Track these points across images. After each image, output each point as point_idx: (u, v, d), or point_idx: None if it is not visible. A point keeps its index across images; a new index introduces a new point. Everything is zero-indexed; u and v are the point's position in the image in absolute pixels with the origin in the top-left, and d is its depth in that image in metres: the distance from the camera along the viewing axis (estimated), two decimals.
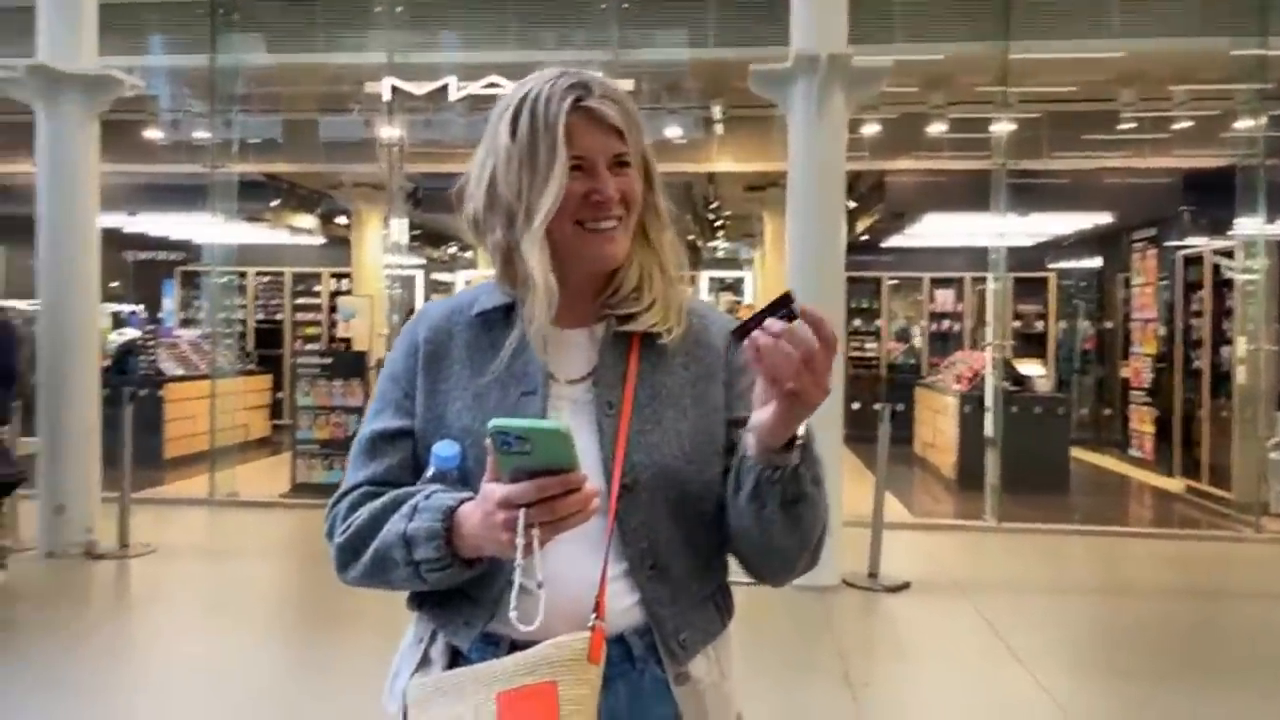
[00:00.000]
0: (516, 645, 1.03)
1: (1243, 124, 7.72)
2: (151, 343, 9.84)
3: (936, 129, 8.70)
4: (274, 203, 11.08)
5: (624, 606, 1.08)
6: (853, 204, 11.04)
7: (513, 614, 0.95)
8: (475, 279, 13.92)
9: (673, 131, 8.50)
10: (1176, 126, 8.83)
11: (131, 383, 8.41)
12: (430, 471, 1.09)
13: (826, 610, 4.81)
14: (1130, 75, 8.22)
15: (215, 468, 7.71)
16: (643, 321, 1.13)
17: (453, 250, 16.44)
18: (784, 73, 5.27)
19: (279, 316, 13.68)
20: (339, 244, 13.41)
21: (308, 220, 12.62)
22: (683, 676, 1.09)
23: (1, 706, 3.48)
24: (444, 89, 6.95)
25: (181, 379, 9.64)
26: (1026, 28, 7.25)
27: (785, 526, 1.07)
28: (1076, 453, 9.67)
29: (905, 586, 5.23)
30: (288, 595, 5.41)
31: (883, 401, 9.26)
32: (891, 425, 5.66)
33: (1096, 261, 13.10)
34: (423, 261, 15.23)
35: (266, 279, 13.82)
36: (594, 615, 1.02)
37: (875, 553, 5.32)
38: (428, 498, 1.06)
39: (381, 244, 11.13)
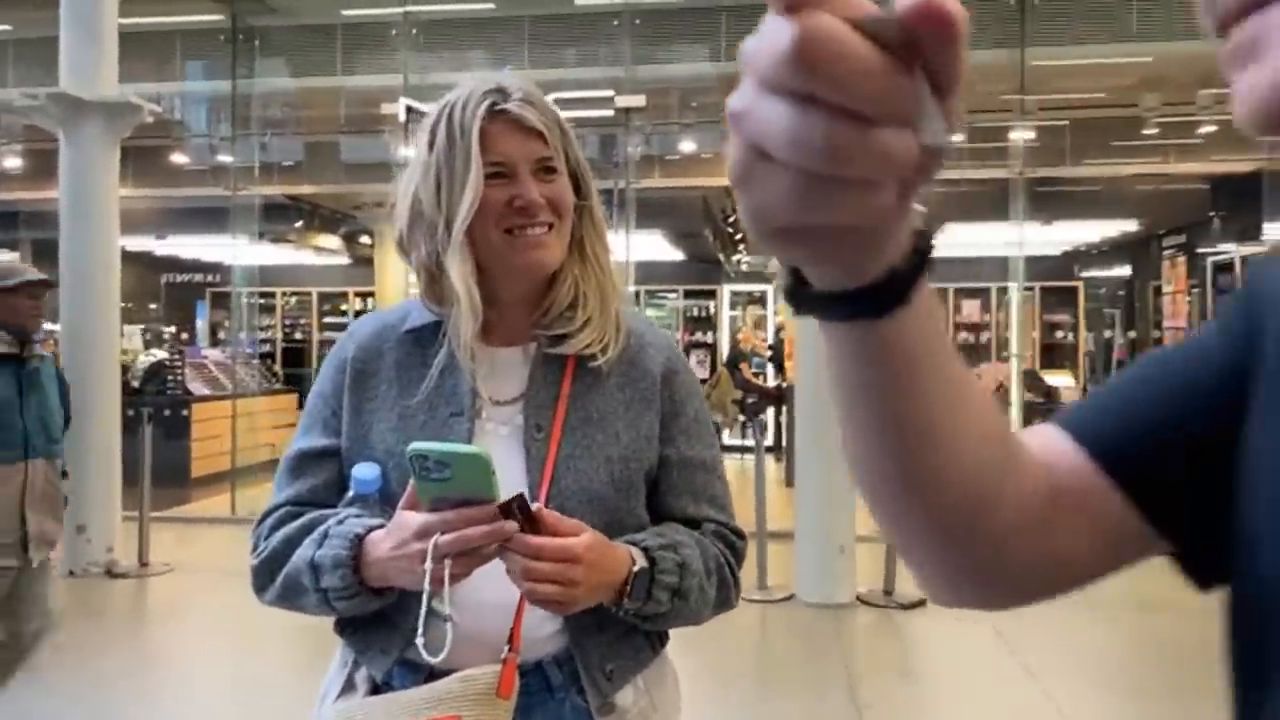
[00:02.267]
0: (435, 674, 1.01)
1: None
2: (179, 363, 9.99)
3: (955, 138, 8.63)
4: (298, 224, 11.23)
5: (544, 635, 1.05)
6: None
7: (419, 641, 0.93)
8: None
9: (688, 146, 8.50)
10: (1203, 131, 8.67)
11: (158, 403, 8.54)
12: (350, 494, 1.07)
13: (838, 628, 4.72)
14: (1154, 80, 8.09)
15: (238, 486, 7.80)
16: (576, 343, 1.10)
17: None
18: None
19: (298, 335, 13.87)
20: (363, 264, 13.57)
21: (332, 241, 12.79)
22: (608, 707, 1.07)
23: None
24: None
25: (208, 399, 9.76)
26: (1044, 34, 7.16)
27: (660, 625, 1.09)
28: None
29: (921, 604, 5.12)
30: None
31: None
32: None
33: (1126, 270, 12.87)
34: None
35: (295, 299, 14.03)
36: (507, 647, 1.00)
37: (890, 569, 5.23)
38: (340, 523, 1.04)
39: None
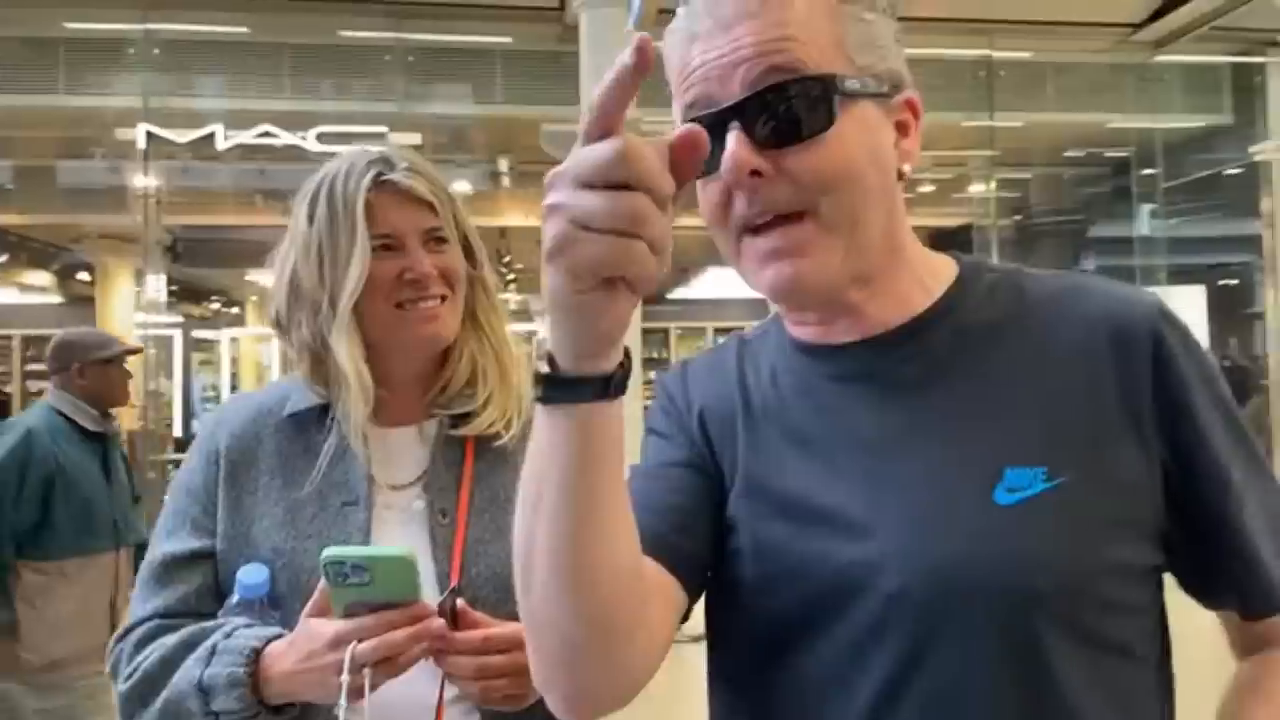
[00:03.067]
0: None
1: (976, 188, 8.75)
2: None
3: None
4: (1, 258, 9.79)
5: None
6: None
7: None
8: (243, 337, 12.95)
9: (461, 186, 8.39)
10: (920, 190, 9.84)
11: None
12: (234, 599, 0.97)
13: None
14: None
15: None
16: (479, 423, 1.06)
17: (216, 306, 15.18)
18: (573, 134, 5.35)
19: (8, 387, 12.02)
20: (81, 303, 12.02)
21: (42, 277, 11.25)
22: None
23: None
24: (210, 137, 6.45)
25: None
26: None
27: None
28: None
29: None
30: None
31: None
32: None
33: None
34: (180, 319, 13.96)
35: None
36: None
37: None
38: (228, 636, 0.93)
39: (133, 301, 10.12)
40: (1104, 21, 7.54)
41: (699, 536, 0.75)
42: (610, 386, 0.56)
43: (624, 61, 0.49)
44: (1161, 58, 7.87)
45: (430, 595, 0.96)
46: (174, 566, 1.00)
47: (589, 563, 0.61)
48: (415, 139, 6.47)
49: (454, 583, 1.00)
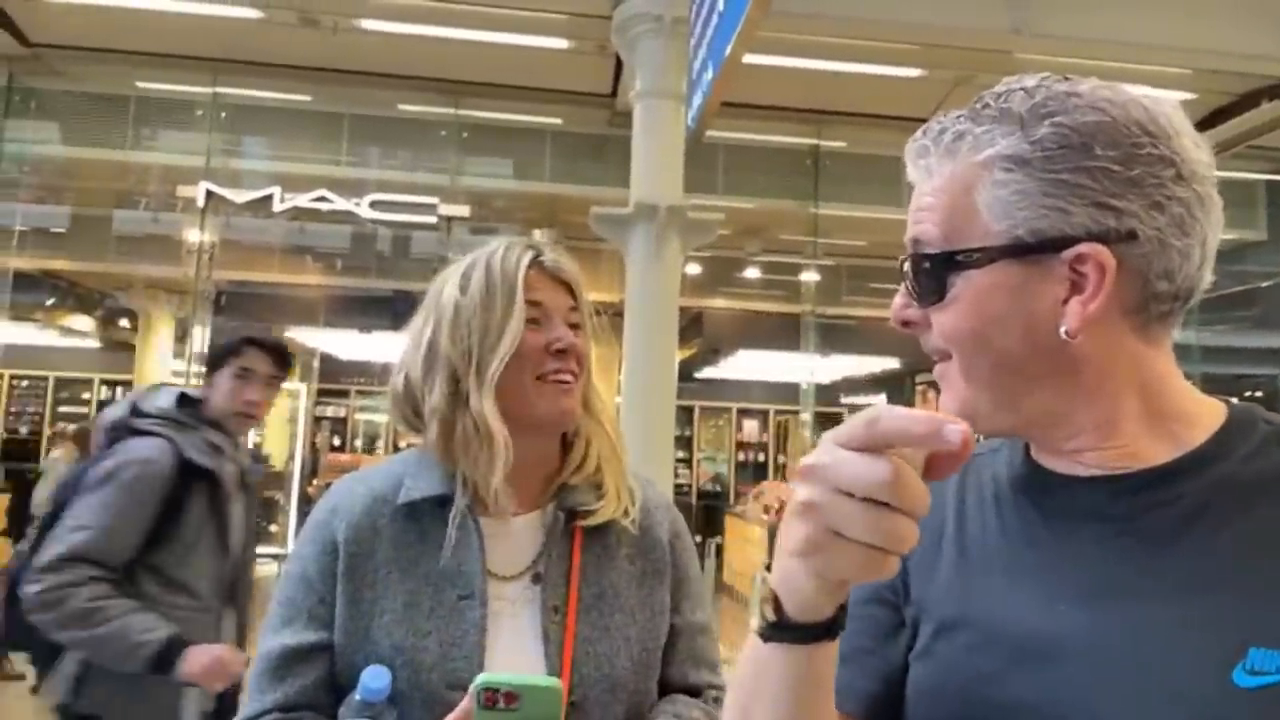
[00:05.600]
0: None
1: None
2: None
3: (751, 273, 9.32)
4: (49, 301, 9.99)
5: None
6: None
7: None
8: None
9: None
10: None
11: None
12: (356, 696, 0.95)
13: None
14: None
15: None
16: (603, 513, 1.07)
17: None
18: (624, 217, 5.49)
19: (37, 426, 12.15)
20: (118, 349, 12.22)
21: (83, 321, 11.46)
22: None
23: None
24: (268, 199, 6.65)
25: None
26: (831, 191, 8.01)
27: None
28: None
29: None
30: None
31: (697, 530, 9.41)
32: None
33: (882, 398, 14.24)
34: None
35: (25, 383, 12.32)
36: None
37: None
38: None
39: (171, 351, 10.28)
40: None
41: (886, 679, 0.74)
42: (832, 630, 0.59)
43: (949, 440, 0.50)
44: None
45: None
46: (292, 660, 0.99)
47: None
48: (464, 210, 6.64)
49: (564, 683, 0.99)
